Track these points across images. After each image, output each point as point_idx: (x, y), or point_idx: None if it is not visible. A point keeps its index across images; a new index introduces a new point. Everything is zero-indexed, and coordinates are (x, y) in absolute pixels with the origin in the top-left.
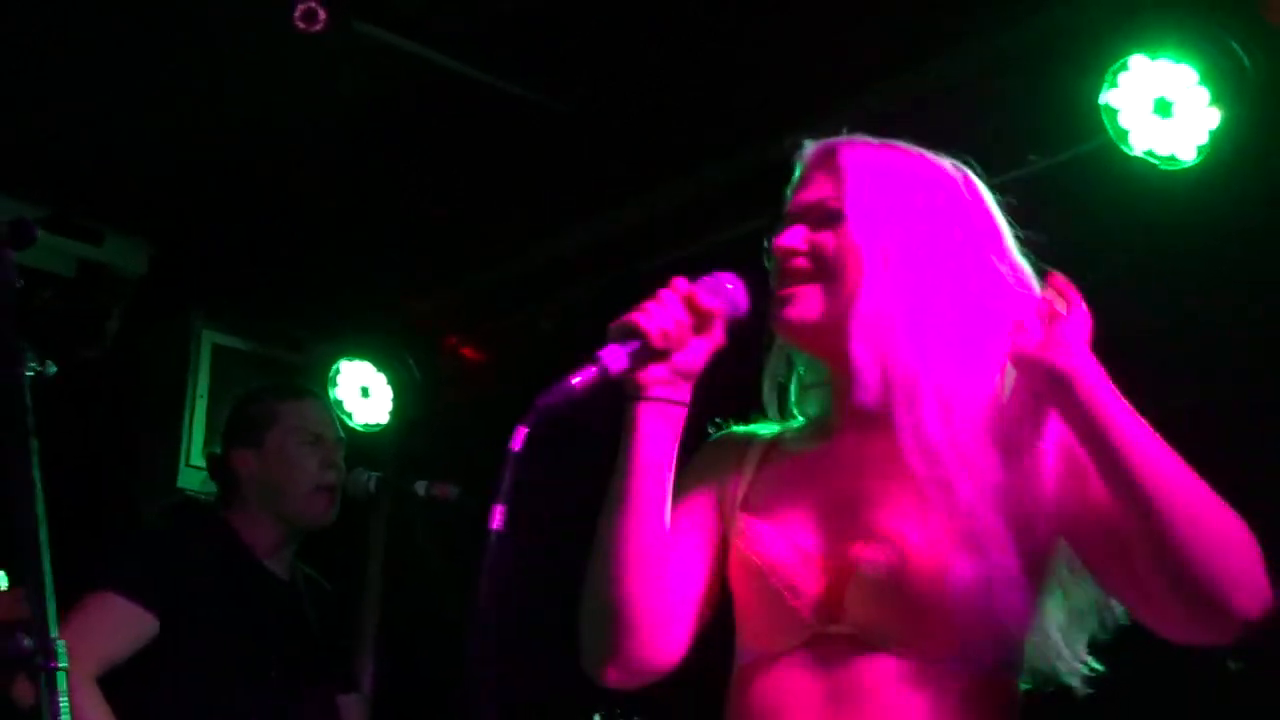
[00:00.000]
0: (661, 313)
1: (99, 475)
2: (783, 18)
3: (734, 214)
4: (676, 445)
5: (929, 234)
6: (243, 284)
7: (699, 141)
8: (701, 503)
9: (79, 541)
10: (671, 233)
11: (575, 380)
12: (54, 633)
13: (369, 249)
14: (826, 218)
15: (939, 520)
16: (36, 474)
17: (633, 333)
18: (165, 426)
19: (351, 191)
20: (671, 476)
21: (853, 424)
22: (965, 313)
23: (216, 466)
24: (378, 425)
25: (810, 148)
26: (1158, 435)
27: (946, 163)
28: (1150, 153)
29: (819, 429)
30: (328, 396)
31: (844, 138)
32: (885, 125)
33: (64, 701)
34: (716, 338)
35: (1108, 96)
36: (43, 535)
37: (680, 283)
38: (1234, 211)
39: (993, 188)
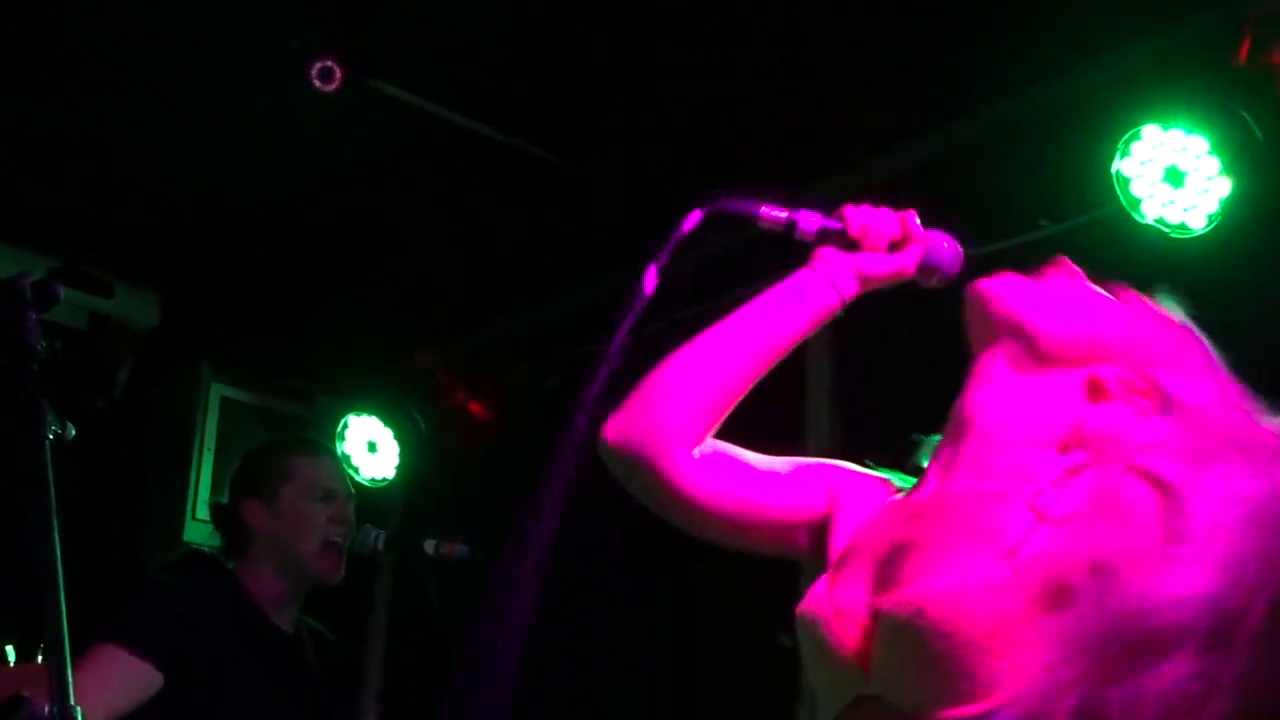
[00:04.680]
0: (871, 214)
1: (105, 527)
2: (794, 83)
3: (742, 277)
4: (806, 329)
5: None
6: (252, 337)
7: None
8: (817, 477)
9: (84, 595)
10: (679, 294)
11: (762, 209)
12: (71, 700)
13: (378, 304)
14: None
15: (980, 564)
16: (56, 539)
17: (838, 215)
18: (172, 479)
19: (362, 246)
20: (783, 350)
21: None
22: None
23: (223, 517)
24: (384, 480)
25: None
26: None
27: None
28: (1161, 221)
29: None
30: (337, 451)
31: None
32: (897, 189)
33: None
34: (907, 265)
35: (1120, 165)
36: (62, 601)
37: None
38: (1244, 280)
39: (1003, 252)
